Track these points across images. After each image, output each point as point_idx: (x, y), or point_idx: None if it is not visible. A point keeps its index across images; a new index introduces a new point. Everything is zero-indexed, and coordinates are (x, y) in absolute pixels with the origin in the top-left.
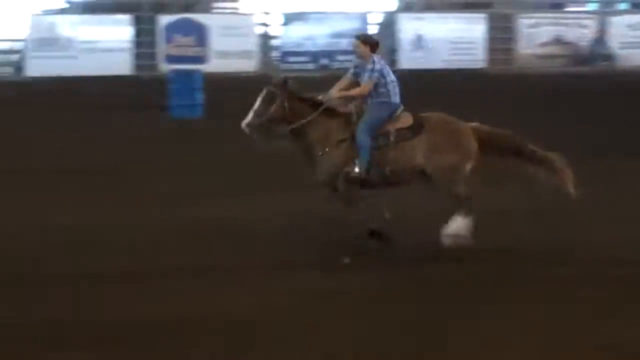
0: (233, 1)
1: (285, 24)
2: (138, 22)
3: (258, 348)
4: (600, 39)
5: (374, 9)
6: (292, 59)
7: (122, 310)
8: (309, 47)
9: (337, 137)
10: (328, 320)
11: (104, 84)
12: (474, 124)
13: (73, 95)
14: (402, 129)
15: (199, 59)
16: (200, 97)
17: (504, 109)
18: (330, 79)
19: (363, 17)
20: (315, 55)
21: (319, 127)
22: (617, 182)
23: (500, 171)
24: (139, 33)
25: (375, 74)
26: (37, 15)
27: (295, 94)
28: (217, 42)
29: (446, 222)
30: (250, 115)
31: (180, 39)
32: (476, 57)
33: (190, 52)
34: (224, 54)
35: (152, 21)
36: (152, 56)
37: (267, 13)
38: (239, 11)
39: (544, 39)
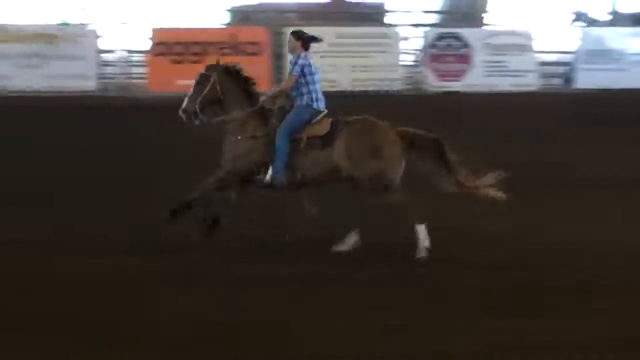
0: None
1: None
2: None
3: None
4: None
5: None
6: None
7: None
8: None
9: (252, 132)
10: None
11: None
12: (400, 128)
13: (622, 107)
14: (313, 137)
15: None
16: None
17: None
18: None
19: None
20: None
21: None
22: None
23: None
24: None
25: (297, 68)
26: (586, 27)
27: (228, 74)
28: None
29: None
30: (185, 100)
31: None
32: None
33: None
34: None
35: None
36: None
37: None
38: None
39: None
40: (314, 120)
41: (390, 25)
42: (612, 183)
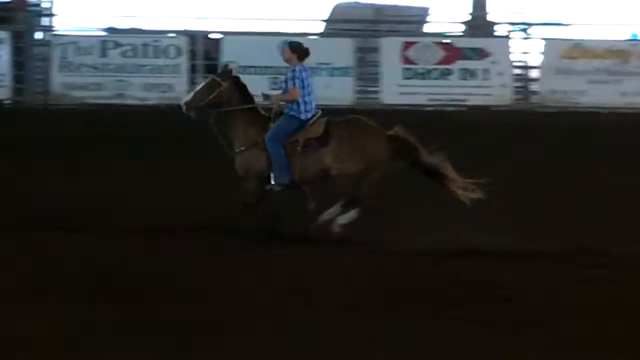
0: None
1: None
2: None
3: None
4: None
5: None
6: None
7: None
8: None
9: (253, 138)
10: None
11: None
12: (392, 131)
13: None
14: (310, 139)
15: None
16: None
17: None
18: None
19: None
20: None
21: (240, 123)
22: None
23: None
24: None
25: (298, 82)
26: None
27: (237, 85)
28: None
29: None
30: (191, 95)
31: None
32: None
33: None
34: None
35: None
36: None
37: None
38: None
39: None
40: (309, 123)
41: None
42: None
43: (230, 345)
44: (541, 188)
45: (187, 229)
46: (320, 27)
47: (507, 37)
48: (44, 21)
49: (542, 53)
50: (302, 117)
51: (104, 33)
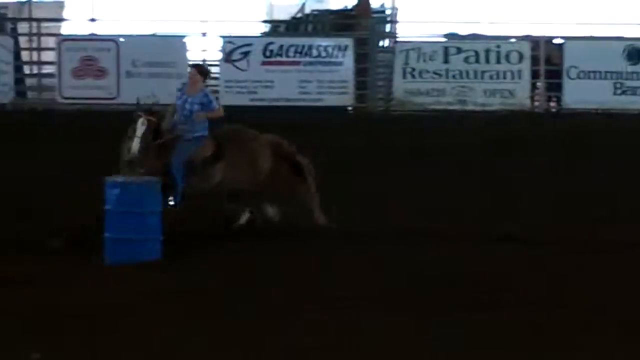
0: None
1: None
2: None
3: None
4: None
5: None
6: None
7: None
8: None
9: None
10: None
11: None
12: (271, 137)
13: None
14: (206, 157)
15: None
16: None
17: None
18: None
19: None
20: None
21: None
22: None
23: None
24: None
25: (214, 104)
26: None
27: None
28: None
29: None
30: (137, 143)
31: None
32: None
33: None
34: None
35: None
36: None
37: None
38: None
39: None
40: (203, 143)
41: None
42: None
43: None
44: None
45: None
46: None
47: None
48: (387, 28)
49: None
50: (200, 134)
51: (446, 39)
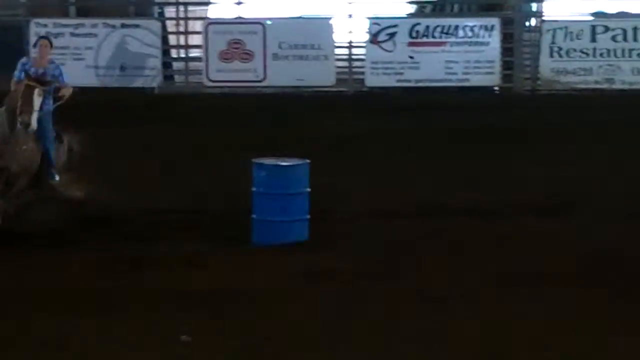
0: None
1: None
2: None
3: None
4: None
5: None
6: None
7: None
8: None
9: None
10: None
11: None
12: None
13: None
14: None
15: None
16: None
17: None
18: None
19: None
20: None
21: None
22: None
23: None
24: None
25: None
26: None
27: None
28: None
29: None
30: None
31: None
32: None
33: None
34: None
35: None
36: None
37: None
38: None
39: None
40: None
41: None
42: None
43: None
44: None
45: None
46: None
47: None
48: (533, 7)
49: None
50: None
51: (593, 18)
